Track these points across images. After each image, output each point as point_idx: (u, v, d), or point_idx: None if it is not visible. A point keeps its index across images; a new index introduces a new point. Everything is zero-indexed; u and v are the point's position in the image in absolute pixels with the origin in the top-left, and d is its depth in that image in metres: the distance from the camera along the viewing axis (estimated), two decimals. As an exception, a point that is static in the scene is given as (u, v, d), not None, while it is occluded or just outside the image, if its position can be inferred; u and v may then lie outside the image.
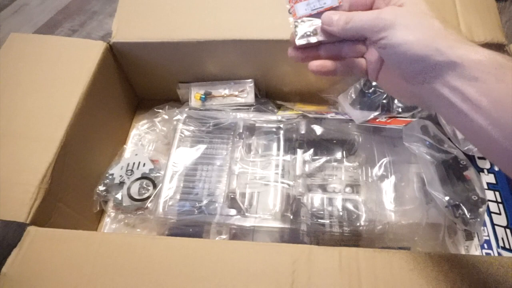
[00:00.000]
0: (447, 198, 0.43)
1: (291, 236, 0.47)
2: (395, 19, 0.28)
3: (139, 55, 0.57)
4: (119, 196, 0.53)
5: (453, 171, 0.45)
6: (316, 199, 0.50)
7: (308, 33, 0.33)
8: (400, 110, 0.50)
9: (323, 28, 0.32)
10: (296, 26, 0.33)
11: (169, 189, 0.49)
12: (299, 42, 0.33)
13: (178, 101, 0.63)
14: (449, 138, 0.49)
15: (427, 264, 0.35)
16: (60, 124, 0.47)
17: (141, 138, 0.61)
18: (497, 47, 0.49)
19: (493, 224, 0.47)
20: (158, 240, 0.39)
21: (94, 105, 0.52)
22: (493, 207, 0.48)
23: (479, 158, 0.51)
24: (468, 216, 0.41)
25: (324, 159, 0.48)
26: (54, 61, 0.53)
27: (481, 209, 0.41)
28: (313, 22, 0.33)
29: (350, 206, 0.49)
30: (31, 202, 0.41)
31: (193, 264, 0.36)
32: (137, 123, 0.63)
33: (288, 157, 0.49)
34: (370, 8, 0.31)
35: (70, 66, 0.52)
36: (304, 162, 0.48)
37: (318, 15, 0.33)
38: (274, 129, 0.53)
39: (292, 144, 0.50)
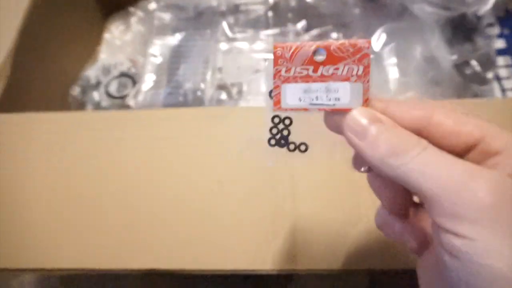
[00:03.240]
0: (454, 57, 0.39)
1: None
2: (498, 210, 0.14)
3: None
4: (96, 96, 0.48)
5: (461, 31, 0.41)
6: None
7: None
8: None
9: (346, 136, 0.17)
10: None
11: (150, 81, 0.45)
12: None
13: None
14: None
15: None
16: (19, 13, 0.41)
17: (117, 40, 0.55)
18: None
19: (503, 90, 0.43)
20: (141, 113, 0.35)
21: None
22: (503, 72, 0.44)
23: (488, 24, 0.47)
24: (480, 70, 0.37)
25: (317, 31, 0.44)
26: None
27: (497, 61, 0.37)
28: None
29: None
30: (-7, 88, 0.37)
31: (183, 133, 0.32)
32: (111, 25, 0.57)
33: (277, 30, 0.44)
34: (467, 148, 0.17)
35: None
36: (296, 34, 0.43)
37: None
38: (259, 7, 0.47)
39: (282, 19, 0.45)
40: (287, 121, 0.19)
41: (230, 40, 0.44)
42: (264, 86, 0.45)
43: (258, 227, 0.28)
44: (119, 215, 0.29)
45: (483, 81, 0.37)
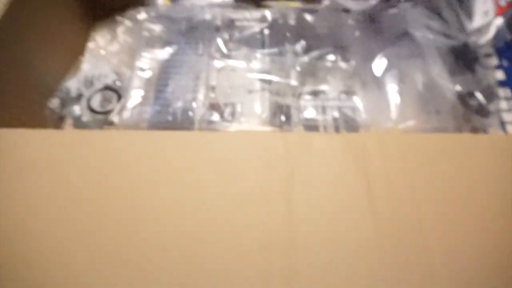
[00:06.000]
0: (458, 87, 0.38)
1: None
2: None
3: None
4: (76, 109, 0.45)
5: (463, 60, 0.40)
6: (307, 107, 0.44)
7: None
8: (402, -3, 0.43)
9: None
10: None
11: (136, 97, 0.42)
12: None
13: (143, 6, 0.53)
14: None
15: (458, 147, 0.30)
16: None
17: (102, 50, 0.52)
18: None
19: (503, 124, 0.43)
20: (133, 134, 0.32)
21: (37, 4, 0.43)
22: (503, 105, 0.43)
23: (486, 55, 0.46)
24: (485, 102, 0.36)
25: (317, 52, 0.42)
26: None
27: (499, 93, 0.36)
28: None
29: (347, 111, 0.43)
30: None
31: (174, 156, 0.29)
32: (95, 33, 0.53)
33: (275, 50, 0.42)
34: None
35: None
36: (295, 54, 0.41)
37: None
38: (257, 27, 0.45)
39: (280, 38, 0.43)
40: None
41: (224, 57, 0.42)
42: (258, 107, 0.42)
43: (249, 268, 0.26)
44: (89, 264, 0.26)
45: (487, 113, 0.36)
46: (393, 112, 0.42)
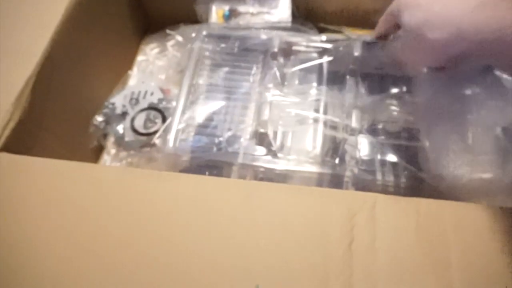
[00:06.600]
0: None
1: (332, 186, 0.38)
2: None
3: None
4: (120, 129, 0.43)
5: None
6: (364, 144, 0.39)
7: None
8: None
9: None
10: None
11: (181, 122, 0.39)
12: None
13: (196, 23, 0.51)
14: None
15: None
16: (44, 34, 0.37)
17: (150, 64, 0.50)
18: None
19: None
20: (171, 177, 0.30)
21: (89, 17, 0.42)
22: None
23: None
24: None
25: (383, 95, 0.37)
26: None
27: None
28: None
29: (408, 152, 0.39)
30: (3, 124, 0.32)
31: (214, 206, 0.26)
32: (145, 46, 0.52)
33: (335, 87, 0.37)
34: None
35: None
36: (357, 94, 0.37)
37: None
38: (316, 54, 0.41)
39: (341, 72, 0.39)
40: None
41: (278, 88, 0.38)
42: (310, 141, 0.39)
43: None
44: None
45: None
46: (466, 159, 0.37)
